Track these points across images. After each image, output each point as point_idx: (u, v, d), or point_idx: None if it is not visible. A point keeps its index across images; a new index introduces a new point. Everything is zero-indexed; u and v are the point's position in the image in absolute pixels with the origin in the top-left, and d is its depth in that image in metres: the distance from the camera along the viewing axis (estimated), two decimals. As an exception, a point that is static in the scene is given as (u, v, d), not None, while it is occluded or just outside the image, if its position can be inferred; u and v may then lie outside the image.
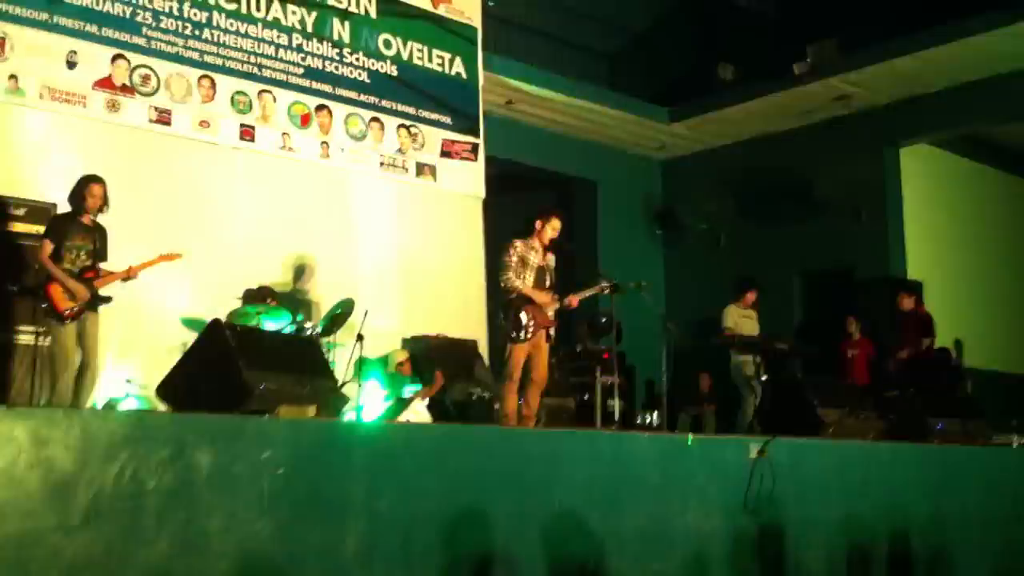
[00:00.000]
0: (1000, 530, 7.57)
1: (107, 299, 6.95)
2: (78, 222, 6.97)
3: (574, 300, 7.48)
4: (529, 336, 7.14)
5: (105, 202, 7.02)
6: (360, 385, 7.84)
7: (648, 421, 10.25)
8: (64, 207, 7.13)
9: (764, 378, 9.44)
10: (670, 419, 9.33)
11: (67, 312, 6.72)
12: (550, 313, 7.26)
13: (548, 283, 7.42)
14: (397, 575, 4.46)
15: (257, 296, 8.76)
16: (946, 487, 7.28)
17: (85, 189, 6.96)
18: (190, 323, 8.21)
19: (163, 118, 9.20)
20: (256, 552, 4.06)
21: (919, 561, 6.91)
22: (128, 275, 7.04)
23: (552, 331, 7.35)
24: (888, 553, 6.72)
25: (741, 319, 9.87)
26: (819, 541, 6.30)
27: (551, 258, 7.51)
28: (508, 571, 4.84)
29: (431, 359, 9.49)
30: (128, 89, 9.00)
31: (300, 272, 9.69)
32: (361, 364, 7.94)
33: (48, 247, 6.84)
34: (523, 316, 7.15)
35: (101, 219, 7.06)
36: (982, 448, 8.12)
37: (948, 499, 7.24)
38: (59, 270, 6.76)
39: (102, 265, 7.02)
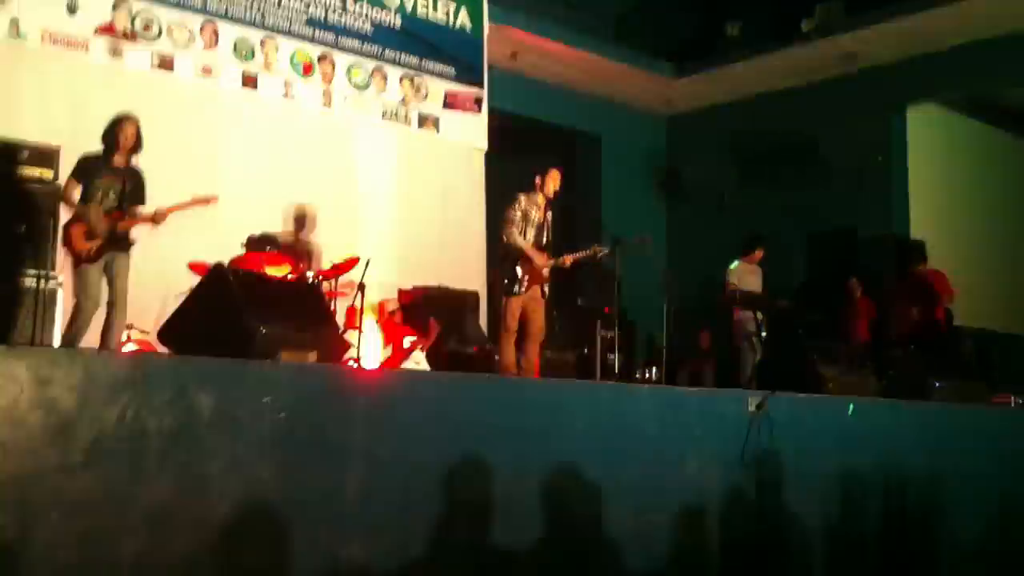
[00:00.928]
0: (994, 489, 7.62)
1: (130, 241, 6.90)
2: (109, 163, 6.88)
3: (567, 260, 7.53)
4: (523, 290, 7.22)
5: (138, 142, 6.93)
6: (361, 333, 7.85)
7: (647, 376, 10.27)
8: (71, 152, 7.06)
9: (765, 335, 9.47)
10: (669, 374, 9.35)
11: (85, 253, 6.67)
12: (545, 271, 7.32)
13: (546, 240, 7.46)
14: (396, 520, 4.49)
15: (259, 244, 8.74)
16: (942, 445, 7.30)
17: (117, 128, 6.87)
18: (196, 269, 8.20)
19: (166, 64, 9.14)
20: (257, 495, 4.08)
21: (913, 517, 6.96)
22: (156, 217, 6.96)
23: (546, 287, 7.41)
24: (883, 508, 6.76)
25: (746, 275, 9.88)
26: (815, 495, 6.34)
27: (551, 215, 7.54)
28: (505, 519, 4.88)
29: (425, 309, 9.49)
30: (130, 35, 8.93)
31: (302, 221, 9.66)
32: (362, 312, 7.95)
33: (72, 186, 6.77)
34: (518, 269, 7.24)
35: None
36: (980, 408, 8.15)
37: (944, 457, 7.27)
38: (74, 204, 6.71)
39: (140, 209, 6.96)
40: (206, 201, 7.19)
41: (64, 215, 6.94)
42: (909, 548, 6.90)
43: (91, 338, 6.87)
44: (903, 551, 6.85)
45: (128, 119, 6.95)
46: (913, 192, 13.23)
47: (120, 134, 6.87)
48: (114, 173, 6.89)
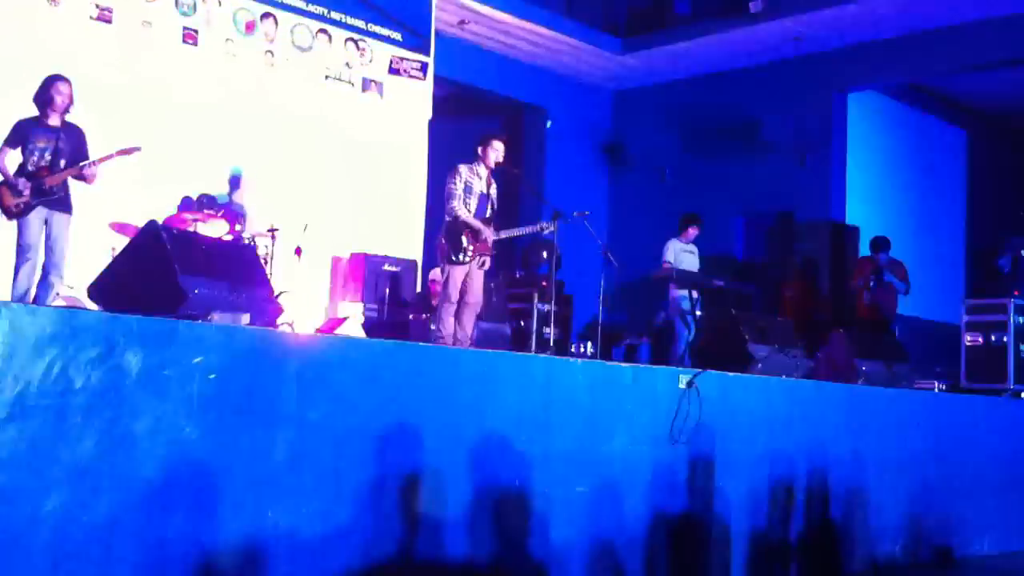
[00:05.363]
0: (916, 471, 7.81)
1: (57, 195, 6.90)
2: (42, 123, 6.93)
3: (514, 234, 7.63)
4: (468, 259, 7.22)
5: (71, 101, 6.96)
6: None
7: (583, 350, 10.34)
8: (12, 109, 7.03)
9: (699, 313, 9.57)
10: (604, 349, 9.42)
11: (13, 208, 6.76)
12: (488, 243, 7.34)
13: (489, 212, 7.46)
14: (325, 485, 4.49)
15: (195, 205, 8.64)
16: (867, 427, 7.47)
17: (51, 88, 6.90)
18: (123, 228, 8.09)
19: (104, 15, 8.94)
20: (184, 455, 4.05)
21: (837, 498, 7.11)
22: (80, 172, 6.98)
23: (488, 260, 7.43)
24: (807, 488, 6.90)
25: (682, 254, 9.96)
26: (742, 473, 6.45)
27: (494, 187, 7.53)
28: (435, 487, 4.90)
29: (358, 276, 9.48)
30: (68, -17, 8.72)
31: (239, 183, 9.54)
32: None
33: (6, 151, 6.83)
34: (464, 239, 7.23)
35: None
36: (904, 391, 8.33)
37: (868, 439, 7.44)
38: (5, 169, 6.79)
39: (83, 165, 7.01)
40: (129, 152, 7.14)
41: None
42: (831, 526, 7.05)
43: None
44: (826, 529, 7.01)
45: (60, 79, 6.96)
46: (851, 177, 13.43)
47: (55, 95, 6.89)
48: (49, 132, 6.92)
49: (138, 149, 7.22)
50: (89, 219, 7.74)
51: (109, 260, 7.32)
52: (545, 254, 10.83)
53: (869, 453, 7.41)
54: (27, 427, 3.68)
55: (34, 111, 6.96)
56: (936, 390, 9.34)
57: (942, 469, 8.04)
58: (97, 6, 8.90)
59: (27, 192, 6.78)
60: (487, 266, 7.51)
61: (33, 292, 6.80)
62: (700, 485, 6.21)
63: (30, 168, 6.84)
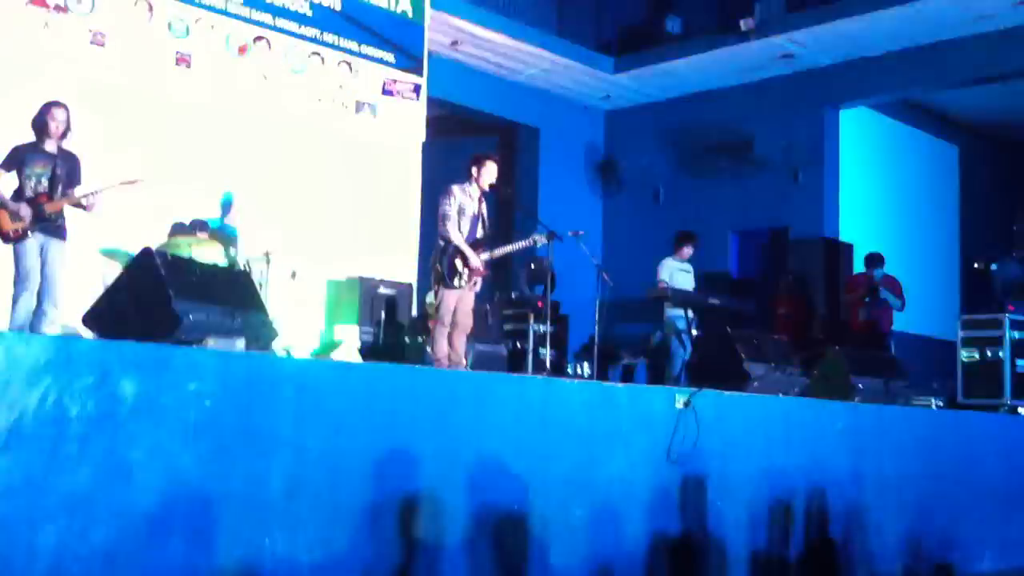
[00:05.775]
0: (915, 490, 7.78)
1: (55, 222, 6.90)
2: (39, 149, 6.94)
3: (504, 251, 7.61)
4: (462, 284, 7.22)
5: (68, 127, 6.98)
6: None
7: (579, 370, 10.32)
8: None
9: (695, 332, 9.56)
10: (601, 369, 9.40)
11: (11, 233, 6.74)
12: (481, 266, 7.34)
13: (481, 232, 7.46)
14: (322, 511, 4.46)
15: (189, 229, 8.62)
16: (865, 445, 7.44)
17: (47, 114, 6.92)
18: (114, 255, 8.07)
19: (98, 40, 8.94)
20: (180, 483, 4.02)
21: (836, 516, 7.08)
22: (79, 201, 7.00)
23: (479, 281, 7.43)
24: (806, 507, 6.87)
25: (677, 272, 9.97)
26: (740, 493, 6.42)
27: (485, 207, 7.53)
28: (433, 512, 4.88)
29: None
30: (62, 8, 8.72)
31: (232, 207, 9.52)
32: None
33: (1, 175, 6.80)
34: (458, 263, 7.22)
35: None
36: (902, 408, 8.32)
37: (866, 457, 7.41)
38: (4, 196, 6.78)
39: (77, 191, 7.01)
40: (131, 183, 7.14)
41: None
42: (830, 545, 7.02)
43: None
44: (825, 548, 6.97)
45: (57, 104, 6.99)
46: (844, 193, 13.47)
47: (50, 121, 6.91)
48: (46, 158, 6.94)
49: (139, 181, 7.22)
50: (79, 245, 7.71)
51: (99, 287, 7.35)
52: (540, 274, 10.83)
53: (868, 471, 7.39)
54: (22, 457, 3.65)
55: (31, 136, 6.96)
56: (934, 407, 9.33)
57: (941, 486, 8.01)
58: (91, 31, 8.91)
59: (28, 218, 6.77)
60: (478, 287, 7.51)
61: (30, 321, 6.78)
62: (698, 506, 6.18)
63: (28, 194, 6.84)
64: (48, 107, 6.95)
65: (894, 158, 14.69)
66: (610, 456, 5.74)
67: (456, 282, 7.21)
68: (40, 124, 6.92)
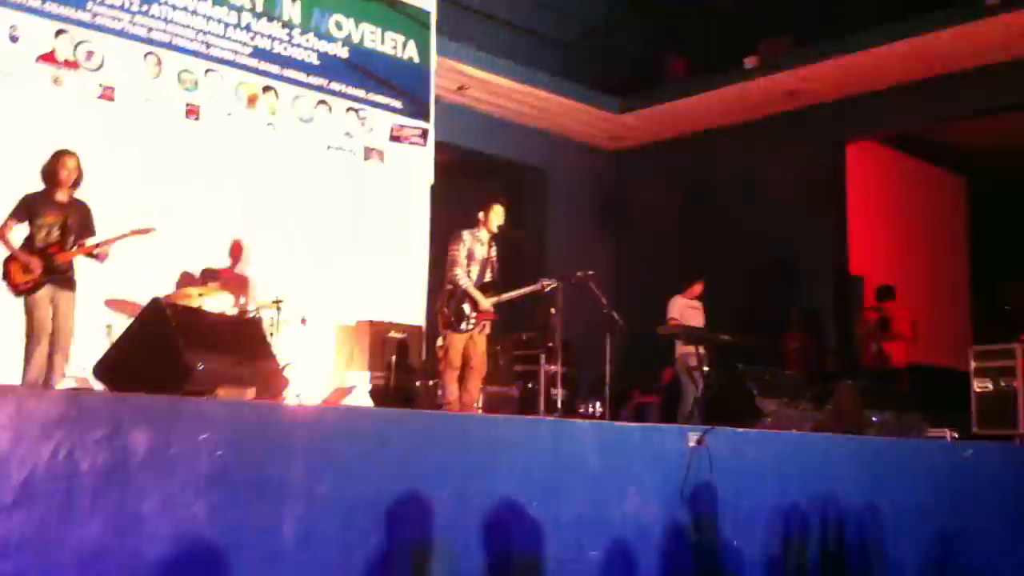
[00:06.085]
0: (931, 523, 7.72)
1: (65, 272, 6.88)
2: (50, 199, 6.91)
3: (513, 296, 7.64)
4: (470, 328, 7.24)
5: (79, 175, 6.97)
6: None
7: (591, 410, 10.30)
8: (8, 185, 7.06)
9: (707, 369, 9.55)
10: (613, 408, 9.38)
11: (22, 285, 6.70)
12: (490, 311, 7.37)
13: (490, 276, 7.49)
14: (335, 559, 4.45)
15: (198, 279, 8.68)
16: (880, 479, 7.40)
17: (57, 163, 6.90)
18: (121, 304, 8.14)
19: (107, 94, 9.06)
20: (192, 535, 4.03)
21: (852, 552, 7.03)
22: (91, 251, 6.98)
23: (487, 325, 7.45)
24: (821, 543, 6.83)
25: (687, 310, 9.98)
26: (755, 531, 6.38)
27: (495, 251, 7.57)
28: (447, 557, 4.86)
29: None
30: (72, 64, 8.85)
31: (242, 255, 9.59)
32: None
33: (10, 224, 6.79)
34: (466, 307, 7.25)
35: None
36: (916, 441, 8.27)
37: (882, 491, 7.37)
38: (9, 243, 6.75)
39: (88, 241, 6.99)
40: (144, 232, 7.16)
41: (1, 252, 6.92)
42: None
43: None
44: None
45: (67, 153, 6.97)
46: (852, 226, 13.47)
47: (60, 169, 6.90)
48: (57, 208, 6.91)
49: (153, 230, 7.25)
50: (86, 295, 7.76)
51: (106, 337, 7.39)
52: (550, 315, 10.84)
53: (883, 505, 7.33)
54: (34, 512, 3.66)
55: (40, 186, 6.97)
56: (948, 439, 9.27)
57: (957, 518, 7.95)
58: (101, 85, 9.03)
59: (39, 271, 6.74)
60: (487, 330, 7.52)
61: (43, 370, 6.75)
62: (713, 544, 6.14)
63: (39, 244, 6.80)
64: (59, 155, 6.93)
65: (902, 191, 14.70)
66: (623, 496, 5.71)
67: (464, 326, 7.24)
68: (50, 172, 6.90)
